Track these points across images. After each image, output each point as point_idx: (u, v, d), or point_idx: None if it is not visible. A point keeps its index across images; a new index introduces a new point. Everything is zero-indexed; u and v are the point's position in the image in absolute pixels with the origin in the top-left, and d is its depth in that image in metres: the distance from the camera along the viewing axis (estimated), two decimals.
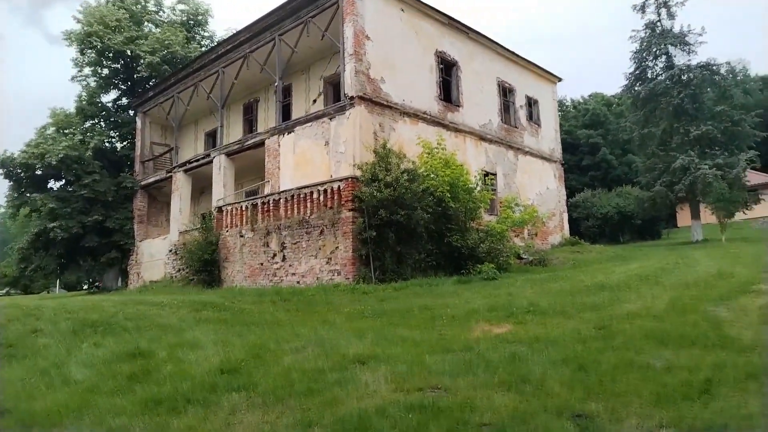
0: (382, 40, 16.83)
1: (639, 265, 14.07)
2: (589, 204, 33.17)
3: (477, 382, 5.33)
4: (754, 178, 32.00)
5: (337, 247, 14.19)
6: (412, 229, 13.99)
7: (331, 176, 15.67)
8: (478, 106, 20.99)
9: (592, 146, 46.63)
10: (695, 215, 27.11)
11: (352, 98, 15.78)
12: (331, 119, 16.58)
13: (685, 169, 25.24)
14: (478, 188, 16.46)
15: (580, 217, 32.53)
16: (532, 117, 24.98)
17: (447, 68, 19.90)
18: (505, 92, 23.08)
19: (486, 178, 17.40)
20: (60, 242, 24.97)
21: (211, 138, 25.67)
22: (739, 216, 27.42)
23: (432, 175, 15.12)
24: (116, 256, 26.58)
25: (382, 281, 13.42)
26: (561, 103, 41.14)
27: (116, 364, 6.92)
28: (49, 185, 26.85)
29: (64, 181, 26.56)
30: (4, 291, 56.44)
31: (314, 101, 20.02)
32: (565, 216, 26.07)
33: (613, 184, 40.71)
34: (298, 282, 15.01)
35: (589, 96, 56.33)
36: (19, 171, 25.40)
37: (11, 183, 26.19)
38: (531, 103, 24.95)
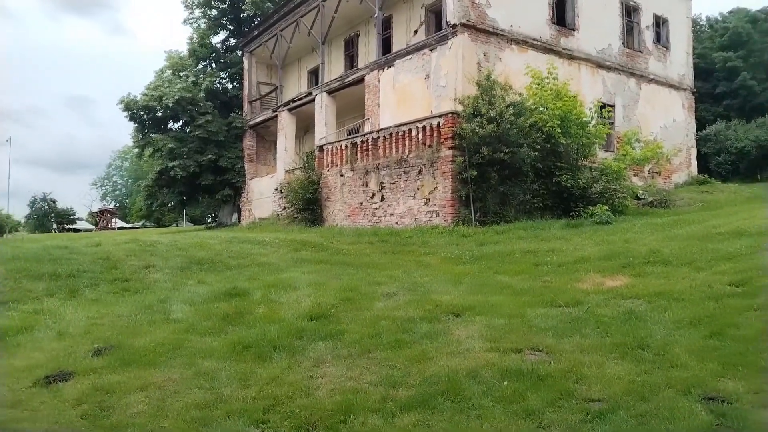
0: None
1: None
2: (722, 137, 29.37)
3: (585, 345, 4.69)
4: None
5: (435, 188, 13.63)
6: (517, 167, 13.02)
7: (432, 112, 14.92)
8: (596, 29, 18.80)
9: (729, 71, 40.92)
10: None
11: (454, 26, 14.66)
12: (432, 51, 15.63)
13: None
14: (593, 122, 14.92)
15: (710, 153, 28.99)
16: (660, 39, 22.07)
17: None
18: (629, 11, 20.45)
19: (603, 110, 15.71)
20: (180, 180, 26.67)
21: (314, 76, 25.60)
22: None
23: (541, 108, 13.86)
24: (229, 194, 28.02)
25: (483, 224, 12.75)
26: (695, 23, 36.25)
27: (214, 303, 7.04)
28: (168, 126, 28.48)
29: (181, 122, 28.03)
30: (140, 224, 62.87)
31: (415, 32, 19.00)
32: (694, 152, 23.32)
33: (753, 114, 35.77)
34: (396, 223, 14.76)
35: (730, 12, 49.16)
36: (141, 113, 27.12)
37: (136, 125, 28.09)
38: (659, 22, 21.97)
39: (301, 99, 22.94)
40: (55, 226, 56.85)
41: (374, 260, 9.79)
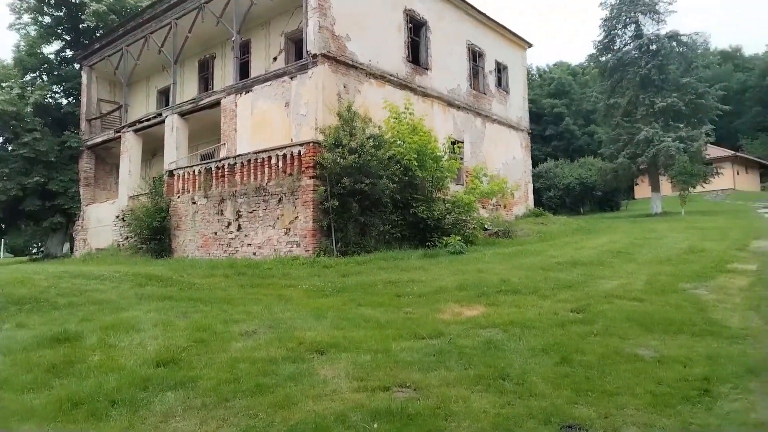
0: None
1: (608, 239, 13.78)
2: (551, 174, 33.11)
3: (451, 378, 4.70)
4: (711, 151, 32.44)
5: (296, 217, 13.33)
6: (377, 198, 13.24)
7: (292, 140, 14.67)
8: (447, 70, 20.13)
9: (556, 116, 46.59)
10: (656, 187, 27.30)
11: (315, 56, 14.68)
12: (292, 78, 15.46)
13: (649, 141, 25.23)
14: (446, 157, 15.77)
15: (542, 188, 32.46)
16: (501, 84, 24.29)
17: (416, 28, 18.89)
18: (475, 56, 22.25)
19: (454, 146, 16.70)
20: None
21: (164, 96, 23.99)
22: (694, 189, 27.71)
23: (399, 142, 14.33)
24: (60, 221, 24.89)
25: (344, 254, 12.69)
26: (528, 72, 40.56)
27: (37, 351, 6.00)
28: None
29: (1, 138, 24.52)
30: None
31: (275, 59, 18.74)
32: (530, 186, 25.78)
33: (575, 155, 40.90)
34: (254, 254, 14.13)
35: (555, 65, 56.15)
36: None
37: None
38: (500, 68, 24.22)
39: (149, 120, 21.29)
40: None
41: (230, 295, 9.16)
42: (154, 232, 16.95)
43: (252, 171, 14.58)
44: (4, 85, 24.30)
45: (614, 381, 4.48)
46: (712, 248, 11.27)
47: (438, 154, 15.03)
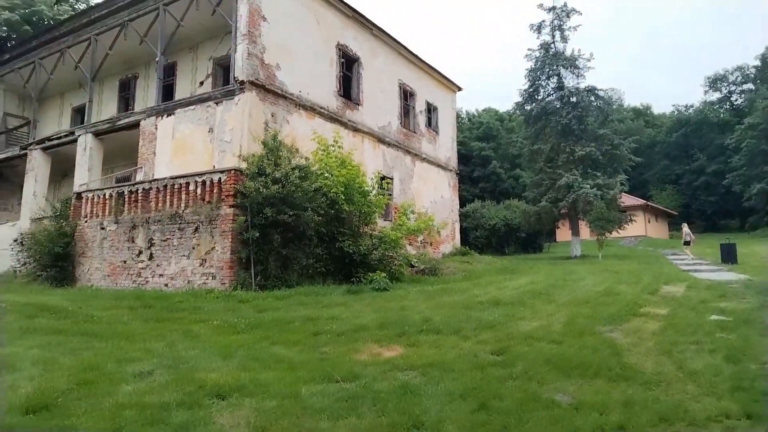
0: (280, 23, 15.48)
1: (530, 280, 13.97)
2: (478, 215, 33.84)
3: (362, 427, 4.32)
4: (625, 199, 34.39)
5: (213, 248, 12.61)
6: (301, 231, 12.80)
7: (214, 167, 14.04)
8: (378, 107, 20.25)
9: (483, 158, 48.12)
10: (575, 231, 28.45)
11: (242, 82, 14.26)
12: (217, 104, 14.92)
13: (569, 187, 26.33)
14: (374, 192, 15.63)
15: (470, 227, 33.06)
16: (431, 124, 24.76)
17: (348, 63, 18.95)
18: (406, 95, 22.59)
19: (383, 181, 16.63)
20: None
21: (80, 114, 22.62)
22: (610, 234, 29.09)
23: (326, 174, 14.04)
24: None
25: (264, 288, 12.07)
26: (458, 115, 41.97)
27: None
28: None
29: None
30: None
31: (201, 83, 18.13)
32: (457, 225, 26.13)
33: (501, 197, 42.23)
34: (166, 285, 13.20)
35: (483, 110, 58.38)
36: None
37: None
38: (431, 109, 24.72)
39: (60, 138, 19.88)
40: None
41: (132, 330, 8.35)
42: (55, 259, 15.56)
43: (168, 197, 13.76)
44: None
45: (532, 429, 4.27)
46: (626, 291, 11.62)
47: (366, 188, 14.86)
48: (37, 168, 20.47)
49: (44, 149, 20.47)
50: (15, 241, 18.26)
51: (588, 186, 25.59)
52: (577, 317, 8.66)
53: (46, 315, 9.39)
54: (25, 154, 20.97)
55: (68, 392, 5.12)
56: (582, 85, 29.16)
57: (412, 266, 17.19)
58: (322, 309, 9.90)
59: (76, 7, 26.47)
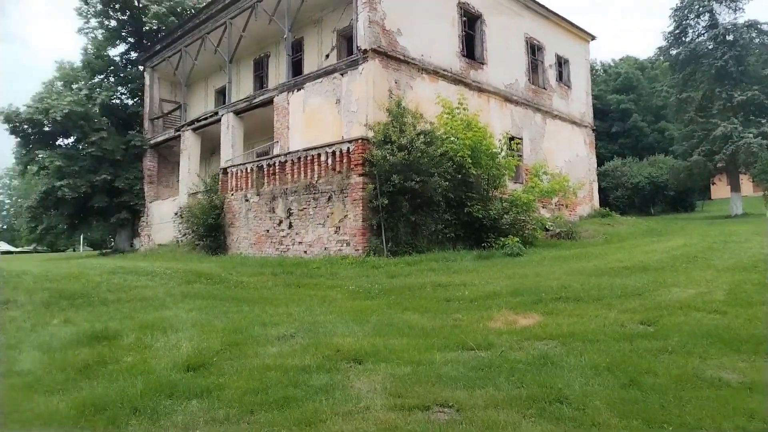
0: None
1: (682, 243, 12.64)
2: (618, 173, 31.42)
3: (499, 399, 4.15)
4: None
5: (345, 216, 13.01)
6: (429, 197, 12.72)
7: (342, 137, 14.39)
8: (503, 64, 19.32)
9: (622, 112, 44.33)
10: (735, 187, 25.31)
11: (365, 51, 14.33)
12: (342, 75, 15.18)
13: (727, 138, 23.39)
14: (503, 154, 15.04)
15: (609, 187, 30.85)
16: (562, 78, 23.17)
17: (470, 21, 18.21)
18: (534, 50, 21.28)
19: (511, 142, 15.92)
20: (69, 202, 24.27)
21: (221, 95, 24.42)
22: None
23: (452, 138, 13.74)
24: (127, 217, 25.89)
25: (395, 254, 12.25)
26: (591, 66, 38.76)
27: (76, 349, 5.90)
28: (57, 142, 25.94)
29: (72, 138, 25.63)
30: (31, 248, 57.05)
31: (327, 56, 18.56)
32: (595, 185, 24.46)
33: (644, 153, 38.70)
34: (305, 252, 13.94)
35: (621, 59, 53.48)
36: (25, 126, 24.49)
37: (18, 139, 25.35)
38: (561, 62, 23.10)
39: (206, 118, 21.67)
40: None
41: (275, 295, 8.91)
42: (209, 229, 17.14)
43: (302, 168, 14.40)
44: (73, 86, 25.45)
45: (694, 411, 3.80)
46: None
47: (494, 150, 14.34)
48: (190, 147, 22.55)
49: (194, 130, 22.45)
50: (176, 214, 20.39)
51: (751, 135, 22.49)
52: (744, 284, 7.63)
53: (202, 281, 10.36)
54: (179, 136, 23.18)
55: (221, 352, 5.54)
56: (740, 20, 25.42)
57: (547, 230, 16.40)
58: (452, 275, 9.80)
59: None
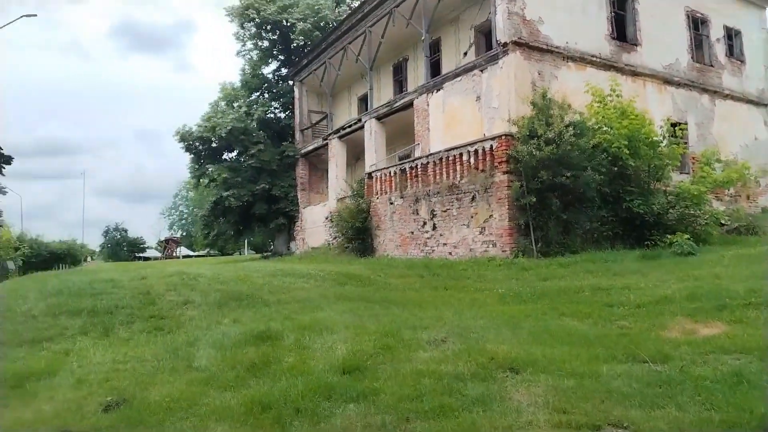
0: None
1: None
2: None
3: (685, 421, 3.62)
4: None
5: (491, 216, 12.65)
6: (581, 192, 11.88)
7: (484, 135, 14.03)
8: (660, 44, 17.48)
9: None
10: None
11: (504, 45, 13.83)
12: (482, 71, 14.82)
13: None
14: (665, 142, 13.58)
15: None
16: (733, 52, 20.39)
17: (620, 1, 16.75)
18: (696, 24, 19.00)
19: (675, 129, 14.33)
20: (234, 210, 26.75)
21: (364, 102, 25.28)
22: None
23: (605, 128, 12.71)
24: (283, 223, 27.87)
25: (545, 255, 11.62)
26: None
27: (244, 347, 6.35)
28: (223, 156, 28.77)
29: (235, 152, 28.27)
30: (205, 252, 64.45)
31: (465, 54, 18.28)
32: None
33: None
34: (449, 253, 13.82)
35: None
36: (196, 144, 27.52)
37: (192, 155, 28.55)
38: (731, 34, 20.33)
39: (350, 126, 22.58)
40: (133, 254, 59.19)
41: (422, 297, 8.90)
42: (357, 232, 17.77)
43: (444, 169, 14.30)
44: (234, 105, 28.06)
45: None
46: None
47: (654, 139, 13.01)
48: (337, 154, 23.65)
49: (340, 137, 23.51)
50: (326, 218, 21.49)
51: None
52: None
53: (353, 282, 10.70)
54: (327, 144, 24.44)
55: (374, 356, 5.59)
56: None
57: (722, 225, 14.48)
58: (613, 277, 9.01)
59: (351, 5, 29.49)
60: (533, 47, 14.18)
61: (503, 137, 12.53)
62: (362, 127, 21.23)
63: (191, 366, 5.88)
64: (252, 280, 11.35)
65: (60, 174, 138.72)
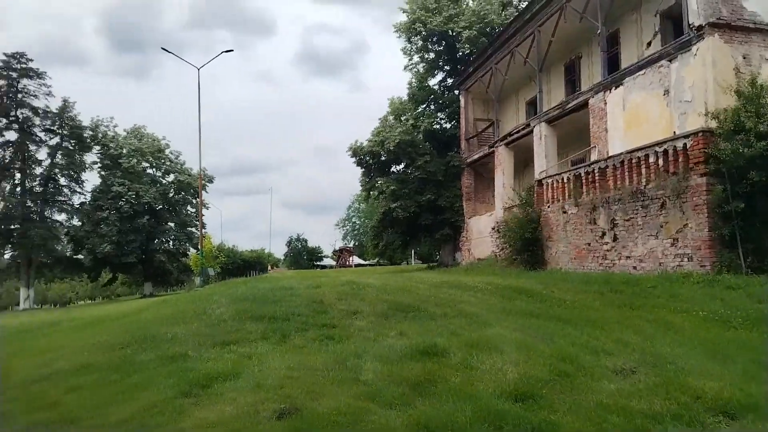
0: None
1: None
2: None
3: None
4: None
5: (685, 225, 11.00)
6: None
7: (674, 133, 12.35)
8: None
9: None
10: None
11: (699, 28, 12.05)
12: (670, 61, 13.10)
13: None
14: None
15: None
16: None
17: None
18: None
19: None
20: (401, 220, 27.37)
21: (532, 107, 24.16)
22: None
23: None
24: (449, 233, 27.80)
25: (758, 271, 9.75)
26: None
27: (409, 362, 6.19)
28: (391, 169, 29.67)
29: (402, 164, 28.98)
30: (375, 261, 67.57)
31: (648, 44, 16.40)
32: None
33: None
34: (634, 267, 12.37)
35: None
36: (367, 158, 28.75)
37: (362, 169, 29.92)
38: None
39: (518, 132, 21.69)
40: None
41: (603, 317, 7.96)
42: (526, 244, 16.91)
43: (626, 173, 12.88)
44: (402, 118, 28.80)
45: None
46: None
47: None
48: (503, 162, 22.90)
49: (506, 144, 22.74)
50: (492, 229, 20.88)
51: None
52: None
53: (522, 297, 10.04)
54: (493, 152, 23.81)
55: (549, 383, 5.02)
56: None
57: None
58: None
59: (518, 6, 28.52)
60: (736, 27, 12.16)
61: (700, 134, 10.85)
62: (531, 132, 20.23)
63: (358, 379, 5.85)
64: (417, 292, 11.28)
65: (251, 190, 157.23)
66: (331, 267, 63.90)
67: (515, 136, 21.87)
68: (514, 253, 17.75)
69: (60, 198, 41.58)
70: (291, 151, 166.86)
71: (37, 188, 40.22)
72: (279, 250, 77.34)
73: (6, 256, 42.32)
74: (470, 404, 4.58)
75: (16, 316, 28.14)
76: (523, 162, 23.69)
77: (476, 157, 25.85)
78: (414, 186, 26.95)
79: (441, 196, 26.92)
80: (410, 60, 30.52)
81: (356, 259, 70.58)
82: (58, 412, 5.61)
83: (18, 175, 39.81)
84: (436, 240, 29.08)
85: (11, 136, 38.81)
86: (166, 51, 43.20)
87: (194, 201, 43.66)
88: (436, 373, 5.63)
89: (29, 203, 39.39)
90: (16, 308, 45.86)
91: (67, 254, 42.58)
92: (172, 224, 44.67)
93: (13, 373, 8.39)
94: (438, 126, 29.80)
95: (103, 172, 41.25)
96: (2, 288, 60.11)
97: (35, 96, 38.75)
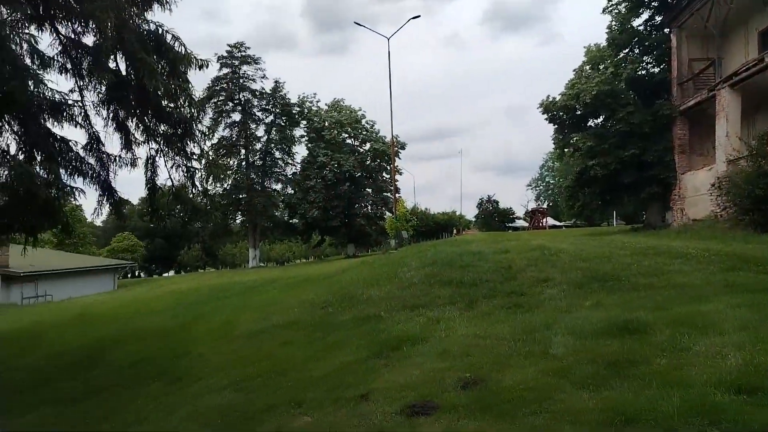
0: None
1: None
2: None
3: None
4: None
5: None
6: None
7: None
8: None
9: None
10: None
11: None
12: None
13: None
14: None
15: None
16: None
17: None
18: None
19: None
20: (600, 179, 25.32)
21: (767, 38, 20.13)
22: None
23: None
24: (657, 191, 24.98)
25: None
26: None
27: (604, 338, 5.76)
28: (587, 123, 27.44)
29: (600, 118, 26.59)
30: (572, 222, 64.29)
31: None
32: None
33: None
34: None
35: None
36: (560, 113, 26.96)
37: (555, 126, 28.18)
38: None
39: (748, 69, 18.24)
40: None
41: None
42: (756, 202, 14.42)
43: None
44: (600, 67, 26.29)
45: None
46: None
47: None
48: (727, 107, 19.61)
49: (731, 86, 19.38)
50: (712, 185, 18.16)
51: None
52: None
53: (751, 268, 8.60)
54: (713, 96, 20.52)
55: None
56: None
57: None
58: None
59: None
60: None
61: None
62: (766, 68, 16.86)
63: (547, 352, 5.60)
64: (618, 259, 10.39)
65: (442, 155, 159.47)
66: (524, 228, 62.34)
67: (744, 74, 18.46)
68: (740, 212, 15.25)
69: (276, 170, 47.96)
70: (481, 113, 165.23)
71: (258, 162, 46.74)
72: (470, 212, 77.76)
73: (237, 222, 50.24)
74: (678, 392, 4.05)
75: (246, 274, 33.02)
76: (754, 106, 20.02)
77: (692, 103, 22.51)
78: (614, 141, 24.56)
79: (647, 151, 24.14)
80: (610, 1, 27.49)
81: (550, 221, 67.77)
82: (271, 363, 6.40)
83: (243, 151, 46.63)
84: (641, 199, 26.34)
85: (236, 117, 45.70)
86: (359, 25, 45.80)
87: (389, 167, 46.02)
88: (636, 352, 5.12)
89: (252, 175, 45.95)
90: (246, 265, 54.17)
91: (284, 219, 49.00)
92: (369, 190, 48.12)
93: (240, 324, 9.84)
94: (643, 72, 26.52)
95: (309, 145, 46.27)
96: (236, 248, 72.37)
97: (253, 80, 45.19)
